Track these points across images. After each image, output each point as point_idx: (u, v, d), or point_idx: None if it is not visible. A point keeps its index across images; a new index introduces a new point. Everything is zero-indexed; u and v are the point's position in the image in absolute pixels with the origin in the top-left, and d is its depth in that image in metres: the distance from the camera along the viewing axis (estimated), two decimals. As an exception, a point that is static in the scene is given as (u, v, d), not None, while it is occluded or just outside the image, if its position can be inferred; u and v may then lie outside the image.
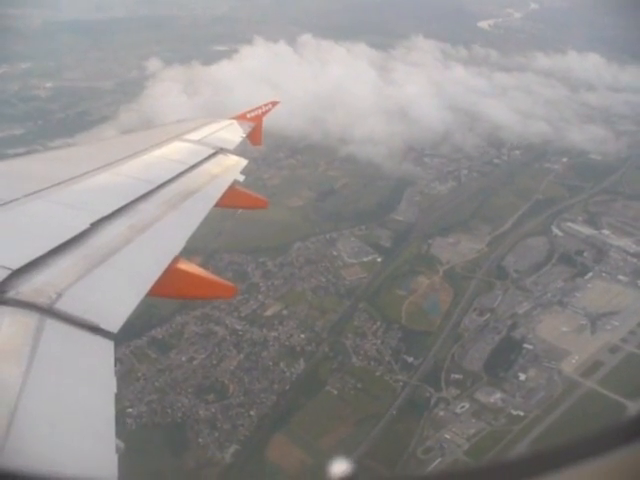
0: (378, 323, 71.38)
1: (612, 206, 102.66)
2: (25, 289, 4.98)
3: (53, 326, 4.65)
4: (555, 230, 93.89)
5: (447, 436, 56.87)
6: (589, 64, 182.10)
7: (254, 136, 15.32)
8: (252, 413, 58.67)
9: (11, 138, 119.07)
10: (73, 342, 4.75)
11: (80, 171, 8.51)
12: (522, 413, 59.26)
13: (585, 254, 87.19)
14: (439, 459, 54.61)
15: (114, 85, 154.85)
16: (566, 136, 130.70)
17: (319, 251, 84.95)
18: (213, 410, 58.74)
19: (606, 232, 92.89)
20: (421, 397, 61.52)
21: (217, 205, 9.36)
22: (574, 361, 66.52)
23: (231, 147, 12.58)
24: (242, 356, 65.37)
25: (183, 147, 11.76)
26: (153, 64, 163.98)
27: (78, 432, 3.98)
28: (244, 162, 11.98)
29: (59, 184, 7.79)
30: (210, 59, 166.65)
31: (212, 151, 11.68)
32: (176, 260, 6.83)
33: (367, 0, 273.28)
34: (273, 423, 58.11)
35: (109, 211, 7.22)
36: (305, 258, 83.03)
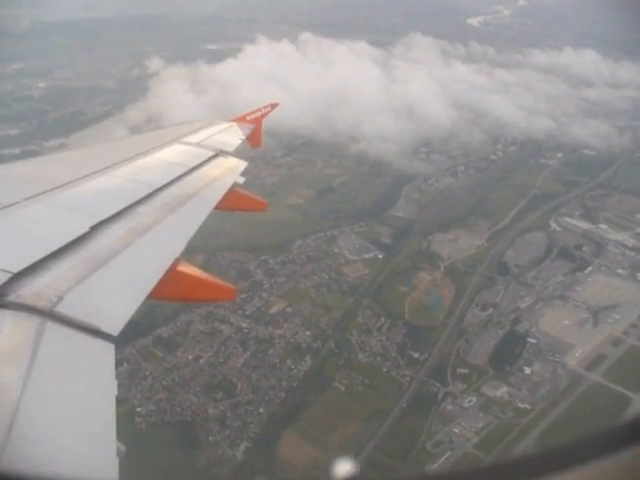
0: (382, 319, 71.72)
1: (608, 201, 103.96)
2: (26, 292, 4.99)
3: (54, 329, 4.65)
4: (553, 225, 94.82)
5: (456, 430, 57.31)
6: (586, 60, 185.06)
7: (254, 138, 15.44)
8: (261, 410, 58.78)
9: (6, 138, 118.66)
10: (74, 345, 4.75)
11: (79, 174, 8.54)
12: (529, 406, 59.87)
13: (584, 248, 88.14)
14: (449, 453, 55.04)
15: (107, 84, 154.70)
16: (570, 131, 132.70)
17: (320, 248, 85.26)
18: (222, 408, 58.75)
19: (603, 226, 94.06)
20: (428, 392, 61.91)
21: (217, 208, 9.34)
22: (578, 354, 67.28)
23: (231, 149, 12.66)
24: (248, 354, 65.45)
25: (183, 150, 11.74)
26: (153, 63, 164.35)
27: (79, 435, 3.99)
28: (244, 164, 12.01)
29: (59, 187, 7.83)
30: (203, 58, 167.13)
31: (212, 153, 11.73)
32: (176, 263, 6.84)
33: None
34: (283, 420, 58.22)
35: (109, 214, 7.25)
36: (307, 256, 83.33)
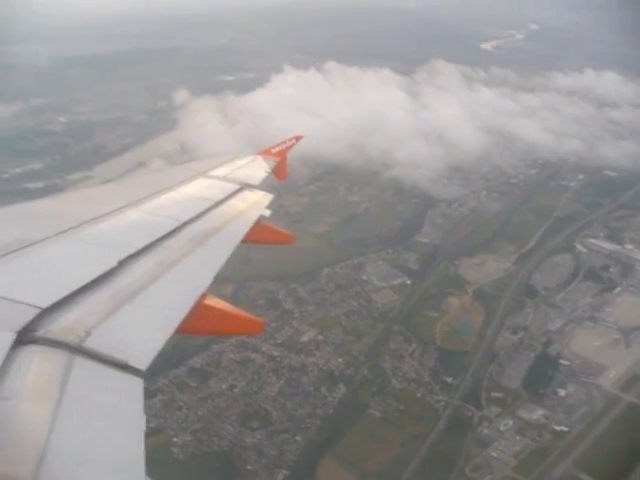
0: (414, 345, 72.59)
1: (632, 221, 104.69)
2: (54, 328, 5.05)
3: (82, 364, 4.73)
4: (579, 247, 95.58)
5: (494, 454, 57.65)
6: (607, 82, 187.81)
7: (279, 171, 15.42)
8: (298, 438, 59.43)
9: (30, 173, 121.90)
10: (102, 380, 4.78)
11: (107, 209, 8.70)
12: (566, 429, 60.16)
13: (611, 269, 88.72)
14: (488, 477, 55.46)
15: (127, 117, 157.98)
16: (600, 152, 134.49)
17: (348, 276, 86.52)
18: (259, 437, 59.40)
19: (629, 247, 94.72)
20: (464, 416, 62.38)
21: (243, 241, 9.29)
22: (612, 375, 67.60)
23: (256, 182, 12.74)
24: (282, 382, 66.36)
25: (208, 183, 11.86)
26: (180, 95, 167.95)
27: (108, 470, 4.03)
28: (269, 197, 12.01)
29: (87, 223, 7.96)
30: (221, 89, 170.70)
31: (237, 187, 11.80)
32: (204, 296, 6.90)
33: (360, 27, 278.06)
34: (320, 447, 58.78)
35: (136, 249, 7.35)
36: (335, 283, 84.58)
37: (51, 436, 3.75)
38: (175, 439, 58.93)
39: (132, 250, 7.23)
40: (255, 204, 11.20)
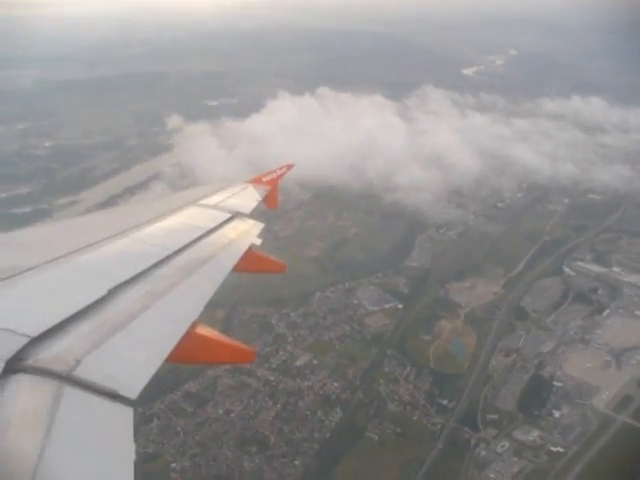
0: (408, 368, 73.63)
1: (618, 244, 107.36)
2: (44, 356, 5.02)
3: (72, 393, 4.69)
4: (567, 270, 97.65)
5: (492, 475, 58.56)
6: (594, 107, 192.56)
7: (270, 199, 15.41)
8: (297, 463, 59.94)
9: (16, 197, 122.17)
10: (92, 409, 4.74)
11: (97, 238, 8.66)
12: (562, 449, 61.36)
13: (599, 292, 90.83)
14: (488, 498, 56.54)
15: (113, 142, 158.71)
16: (595, 177, 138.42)
17: (340, 300, 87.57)
18: (257, 461, 59.89)
19: (616, 269, 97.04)
20: (461, 438, 63.37)
21: (235, 270, 9.31)
22: (605, 396, 69.07)
23: (247, 211, 12.74)
24: (279, 406, 66.97)
25: (199, 212, 11.86)
26: (169, 120, 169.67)
27: None
28: (260, 226, 11.98)
29: (77, 251, 7.93)
30: (204, 114, 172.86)
31: (228, 215, 11.81)
32: (195, 325, 6.92)
33: (342, 51, 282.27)
34: (319, 472, 59.54)
35: (126, 277, 7.34)
36: (327, 308, 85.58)
37: (39, 466, 3.78)
38: (173, 464, 59.44)
39: (122, 279, 7.23)
40: (246, 233, 11.22)
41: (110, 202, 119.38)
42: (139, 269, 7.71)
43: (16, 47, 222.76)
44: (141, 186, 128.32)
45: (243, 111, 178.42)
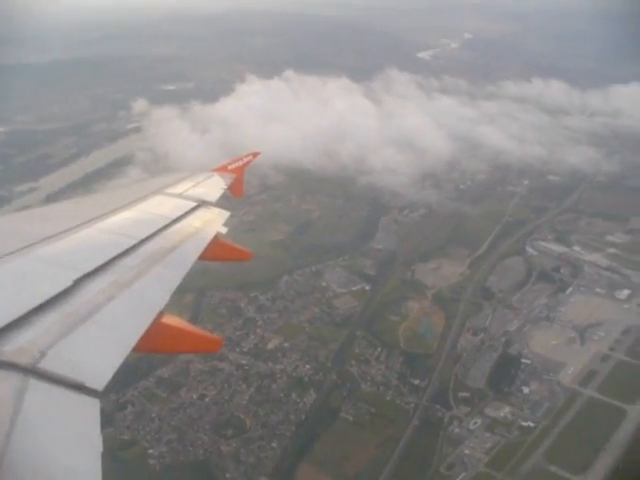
0: (379, 349, 74.81)
1: (577, 224, 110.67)
2: (7, 349, 4.96)
3: (36, 386, 4.65)
4: (529, 250, 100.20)
5: (466, 451, 60.23)
6: (555, 90, 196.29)
7: (235, 187, 15.51)
8: (274, 445, 60.59)
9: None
10: (58, 402, 4.71)
11: (62, 228, 8.60)
12: (532, 424, 63.34)
13: (562, 270, 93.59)
14: (463, 474, 57.81)
15: (72, 127, 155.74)
16: (563, 158, 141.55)
17: (308, 283, 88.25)
18: (234, 445, 60.47)
19: (577, 249, 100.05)
20: (434, 417, 64.80)
21: (200, 258, 9.35)
22: (570, 372, 71.44)
23: (213, 199, 12.82)
24: (253, 390, 67.51)
25: (165, 201, 11.86)
26: (131, 104, 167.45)
27: None
28: (226, 214, 12.07)
29: (41, 241, 7.85)
30: (162, 98, 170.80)
31: (194, 204, 11.87)
32: (161, 315, 6.92)
33: (297, 35, 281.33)
34: (297, 453, 60.14)
35: (92, 268, 7.27)
36: (295, 291, 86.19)
37: (4, 460, 3.75)
38: (150, 450, 59.54)
39: (88, 269, 7.18)
40: (211, 221, 11.27)
41: (70, 188, 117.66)
42: (105, 259, 7.70)
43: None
44: (101, 172, 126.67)
45: (201, 95, 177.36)
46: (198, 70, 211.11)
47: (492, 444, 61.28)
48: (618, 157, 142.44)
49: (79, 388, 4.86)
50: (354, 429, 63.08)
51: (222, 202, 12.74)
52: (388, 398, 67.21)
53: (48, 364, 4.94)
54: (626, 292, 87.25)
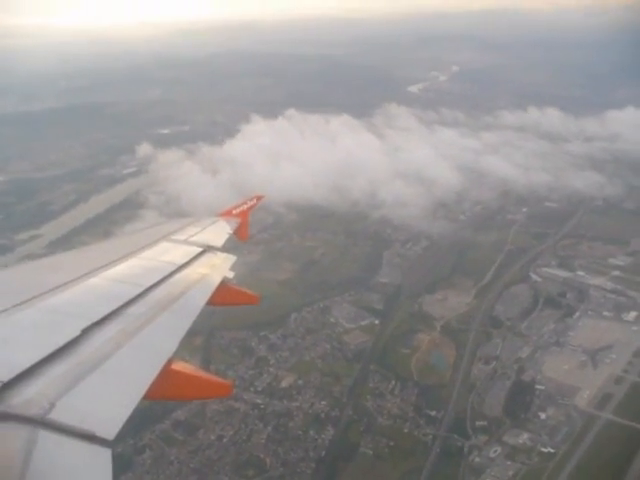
0: (392, 382, 75.47)
1: (579, 249, 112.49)
2: (16, 401, 4.98)
3: (46, 438, 4.64)
4: (534, 276, 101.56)
5: (488, 480, 60.97)
6: (552, 118, 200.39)
7: (241, 232, 15.64)
8: (296, 482, 61.15)
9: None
10: (68, 453, 4.70)
11: (69, 278, 8.73)
12: (552, 450, 63.91)
13: (567, 295, 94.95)
14: (487, 502, 58.48)
15: (70, 174, 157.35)
16: (569, 183, 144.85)
17: (317, 320, 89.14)
18: (256, 484, 60.97)
19: (581, 273, 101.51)
20: (454, 446, 65.35)
21: (208, 304, 9.38)
22: (585, 395, 72.27)
23: (219, 244, 12.92)
24: (270, 429, 67.84)
25: (171, 248, 11.95)
26: (135, 149, 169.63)
27: None
28: (232, 259, 12.09)
29: (49, 292, 7.98)
30: (158, 143, 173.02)
31: (200, 250, 11.97)
32: (170, 362, 6.96)
33: (284, 75, 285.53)
34: (320, 489, 60.75)
35: (100, 316, 7.36)
36: (305, 328, 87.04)
37: None
38: (172, 495, 59.65)
39: (96, 318, 7.28)
40: (218, 266, 11.33)
41: (72, 234, 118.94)
42: (112, 308, 7.77)
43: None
44: (101, 217, 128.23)
45: (197, 138, 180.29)
46: (190, 113, 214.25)
47: (514, 471, 61.77)
48: (617, 181, 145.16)
49: (90, 438, 4.87)
50: (375, 463, 63.51)
51: (228, 245, 13.02)
52: (406, 430, 67.70)
53: (58, 415, 4.97)
54: (633, 314, 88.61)
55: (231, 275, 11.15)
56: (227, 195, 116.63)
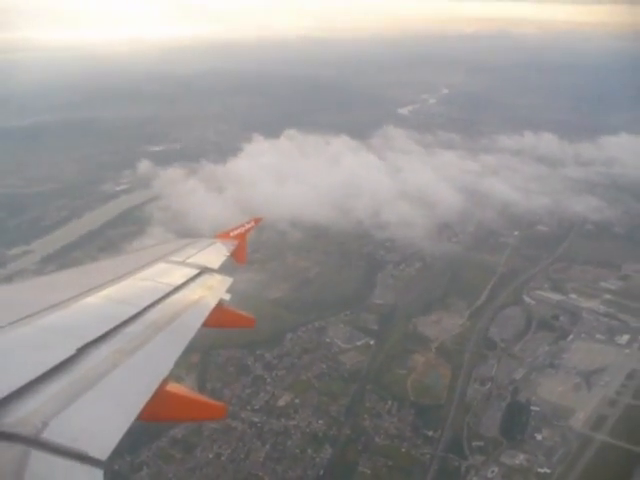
0: (389, 402, 76.56)
1: (571, 272, 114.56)
2: (9, 420, 4.99)
3: (38, 457, 4.64)
4: (527, 299, 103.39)
5: (487, 500, 62.06)
6: (547, 142, 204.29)
7: (238, 254, 15.61)
8: (295, 501, 61.89)
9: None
10: (60, 473, 4.67)
11: (65, 297, 8.73)
12: (548, 470, 65.31)
13: (561, 318, 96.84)
14: (486, 522, 59.50)
15: (62, 189, 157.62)
16: (569, 207, 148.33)
17: (312, 339, 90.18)
18: (256, 503, 61.66)
19: (573, 296, 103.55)
20: (451, 466, 66.46)
21: (204, 325, 9.44)
22: (580, 417, 73.87)
23: (215, 266, 12.98)
24: (268, 447, 68.63)
25: (168, 268, 12.02)
26: (136, 165, 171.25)
27: None
28: (229, 281, 12.17)
29: (44, 310, 7.98)
30: (152, 160, 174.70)
31: (197, 271, 12.05)
32: (164, 383, 6.98)
33: (276, 94, 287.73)
34: (319, 508, 61.49)
35: (95, 336, 7.37)
36: (301, 347, 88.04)
37: None
38: (171, 513, 60.17)
39: (91, 337, 7.29)
40: (215, 288, 11.42)
41: (65, 250, 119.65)
42: (108, 327, 7.79)
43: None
44: (95, 234, 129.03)
45: (190, 156, 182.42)
46: (183, 131, 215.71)
47: (512, 492, 63.06)
48: (609, 205, 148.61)
49: (82, 458, 4.87)
50: (374, 482, 64.49)
51: (224, 267, 13.03)
52: (403, 450, 68.72)
53: (50, 434, 4.97)
54: (626, 337, 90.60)
55: (227, 297, 11.28)
56: (229, 213, 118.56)
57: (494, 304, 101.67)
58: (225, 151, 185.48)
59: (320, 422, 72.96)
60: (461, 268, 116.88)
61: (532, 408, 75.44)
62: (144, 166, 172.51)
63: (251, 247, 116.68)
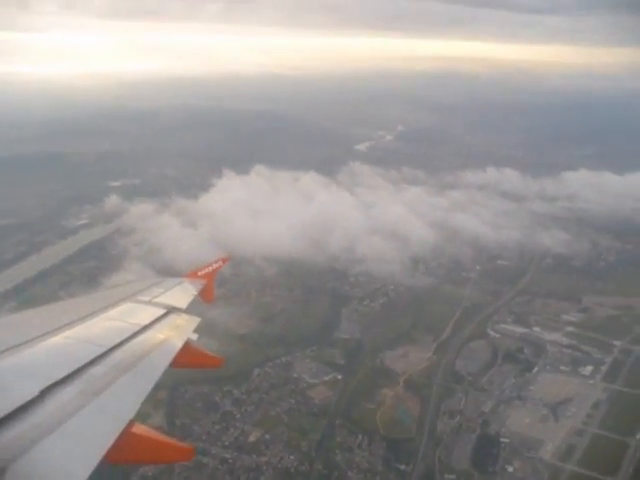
0: (360, 436, 77.21)
1: (533, 305, 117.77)
2: None
3: None
4: (491, 332, 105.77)
5: (462, 532, 62.87)
6: (510, 178, 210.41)
7: (206, 293, 15.79)
8: (271, 539, 61.72)
9: None
10: None
11: (29, 337, 8.62)
12: (522, 502, 66.74)
13: (525, 351, 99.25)
14: None
15: (20, 224, 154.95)
16: (539, 240, 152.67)
17: (280, 375, 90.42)
18: (230, 543, 61.31)
19: (537, 329, 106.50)
20: (426, 499, 67.40)
21: (171, 365, 9.52)
22: (549, 448, 75.82)
23: (183, 306, 13.00)
24: (240, 484, 68.65)
25: (135, 308, 12.03)
26: (111, 200, 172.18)
27: None
28: (197, 320, 12.20)
29: (7, 351, 7.87)
30: (109, 195, 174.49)
31: (164, 311, 12.01)
32: (130, 425, 6.93)
33: (232, 130, 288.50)
34: None
35: (59, 377, 7.29)
36: (269, 383, 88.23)
37: None
38: None
39: (55, 378, 7.20)
40: (182, 328, 11.43)
41: (26, 284, 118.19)
42: (72, 368, 7.72)
43: None
44: (55, 269, 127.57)
45: (149, 191, 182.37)
46: (140, 166, 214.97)
47: (486, 523, 64.05)
48: (570, 239, 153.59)
49: None
50: (348, 518, 64.75)
51: (192, 307, 13.20)
52: (377, 484, 69.39)
53: (11, 478, 4.82)
54: (589, 368, 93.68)
55: (195, 337, 11.37)
56: (201, 250, 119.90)
57: (459, 338, 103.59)
58: (184, 186, 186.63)
59: (291, 457, 73.18)
60: (425, 302, 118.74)
61: (502, 440, 77.08)
62: (110, 201, 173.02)
63: (221, 283, 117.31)
